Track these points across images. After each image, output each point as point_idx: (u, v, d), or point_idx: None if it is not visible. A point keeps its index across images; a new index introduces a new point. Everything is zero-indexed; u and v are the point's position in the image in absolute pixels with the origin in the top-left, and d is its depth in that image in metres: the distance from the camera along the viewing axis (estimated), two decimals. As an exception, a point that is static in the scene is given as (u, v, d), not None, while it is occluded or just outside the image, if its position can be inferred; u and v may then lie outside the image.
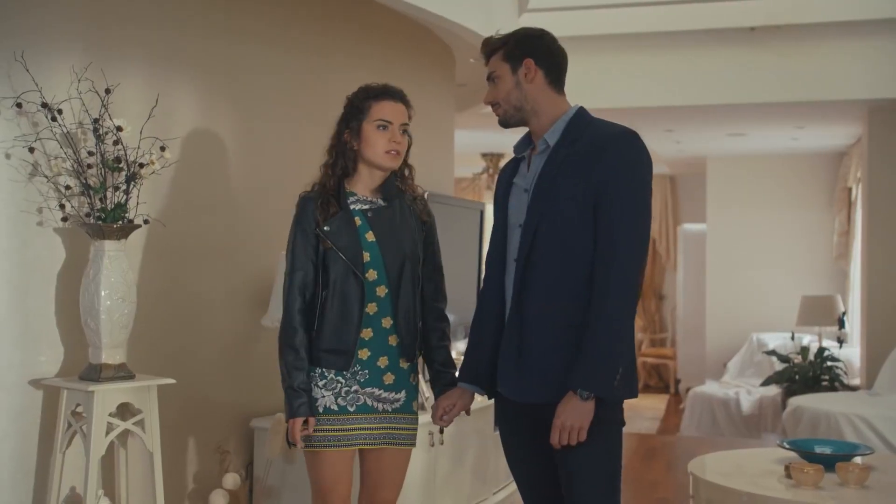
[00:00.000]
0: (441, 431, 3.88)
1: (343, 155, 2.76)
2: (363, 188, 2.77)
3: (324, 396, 2.70)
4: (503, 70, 2.48)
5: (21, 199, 2.89)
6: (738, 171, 10.07)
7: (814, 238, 9.71)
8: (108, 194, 2.91)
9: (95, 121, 2.90)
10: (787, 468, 3.55)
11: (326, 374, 2.70)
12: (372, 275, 2.70)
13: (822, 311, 8.34)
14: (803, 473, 3.43)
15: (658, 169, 10.91)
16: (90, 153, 2.90)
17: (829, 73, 6.77)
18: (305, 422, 2.67)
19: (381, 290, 2.71)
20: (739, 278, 9.92)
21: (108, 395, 2.87)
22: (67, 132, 2.90)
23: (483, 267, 2.76)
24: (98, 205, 2.90)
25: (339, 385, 2.70)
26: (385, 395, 2.73)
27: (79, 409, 2.91)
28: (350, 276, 2.68)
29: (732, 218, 10.03)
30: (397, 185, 2.80)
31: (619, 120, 2.56)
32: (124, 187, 2.93)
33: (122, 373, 2.93)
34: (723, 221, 10.08)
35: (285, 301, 2.73)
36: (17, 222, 2.89)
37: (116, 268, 2.91)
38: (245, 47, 3.71)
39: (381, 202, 2.76)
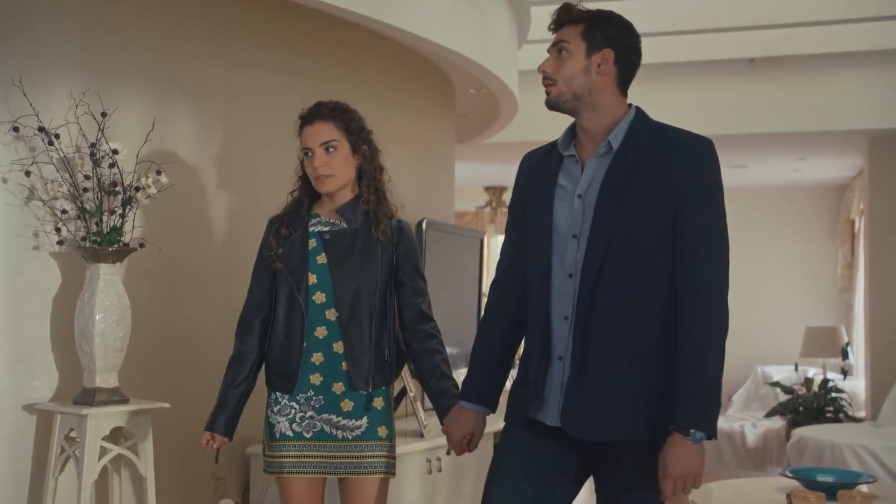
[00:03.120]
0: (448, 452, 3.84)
1: (301, 178, 2.79)
2: (326, 210, 2.76)
3: (279, 422, 2.68)
4: (577, 47, 2.19)
5: (17, 223, 2.90)
6: (740, 205, 10.00)
7: (817, 271, 9.68)
8: (104, 218, 2.92)
9: (92, 145, 2.91)
10: (788, 496, 3.51)
11: (280, 399, 2.69)
12: (319, 297, 2.66)
13: (825, 343, 8.28)
14: (805, 501, 3.39)
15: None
16: (87, 177, 2.91)
17: (829, 104, 6.79)
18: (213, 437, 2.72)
19: (331, 314, 2.66)
20: (743, 311, 9.80)
21: (101, 419, 2.85)
22: (64, 156, 2.91)
23: (486, 294, 2.64)
24: (94, 228, 2.91)
25: (293, 411, 2.67)
26: (344, 422, 2.66)
27: (72, 434, 2.89)
28: (294, 298, 2.67)
29: (735, 251, 9.66)
30: (366, 207, 2.72)
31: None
32: (120, 211, 2.94)
33: (116, 397, 2.92)
34: (726, 255, 10.05)
35: (237, 323, 2.77)
36: (12, 246, 2.90)
37: (111, 291, 2.91)
38: (242, 73, 3.73)
39: (343, 225, 2.72)
